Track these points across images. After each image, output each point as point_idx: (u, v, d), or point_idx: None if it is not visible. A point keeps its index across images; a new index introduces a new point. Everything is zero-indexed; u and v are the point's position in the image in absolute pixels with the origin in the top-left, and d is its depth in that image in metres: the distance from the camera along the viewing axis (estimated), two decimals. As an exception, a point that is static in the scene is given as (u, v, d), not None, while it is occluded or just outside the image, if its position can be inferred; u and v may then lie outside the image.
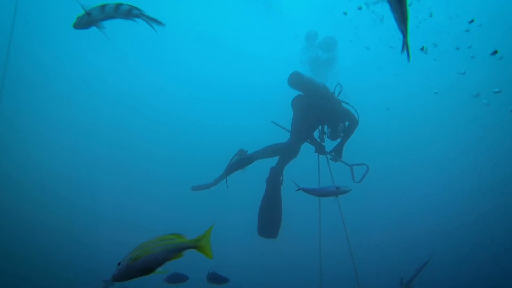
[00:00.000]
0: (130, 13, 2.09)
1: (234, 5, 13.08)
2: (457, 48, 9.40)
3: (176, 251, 1.62)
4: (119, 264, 1.53)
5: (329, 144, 4.67)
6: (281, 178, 4.38)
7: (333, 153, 4.54)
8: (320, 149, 4.56)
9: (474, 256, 10.25)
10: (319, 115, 4.45)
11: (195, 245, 1.68)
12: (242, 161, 3.63)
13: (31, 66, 12.12)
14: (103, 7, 2.07)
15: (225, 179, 4.26)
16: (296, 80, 4.46)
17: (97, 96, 13.75)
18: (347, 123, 4.54)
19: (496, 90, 9.62)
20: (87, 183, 12.33)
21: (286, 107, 4.96)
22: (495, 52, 7.13)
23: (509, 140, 12.40)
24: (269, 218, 4.24)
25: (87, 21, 2.09)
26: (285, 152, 4.44)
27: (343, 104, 4.57)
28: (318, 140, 4.61)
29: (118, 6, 2.07)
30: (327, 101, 4.46)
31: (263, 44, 14.21)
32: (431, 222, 12.03)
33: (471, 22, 8.60)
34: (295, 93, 4.71)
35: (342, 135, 4.52)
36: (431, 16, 8.87)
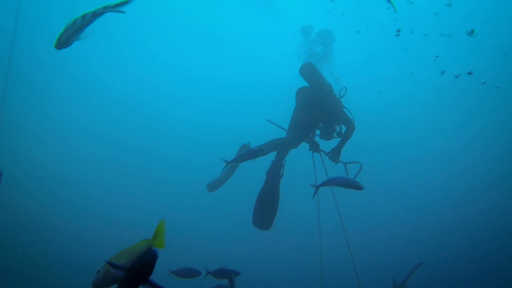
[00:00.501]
0: (95, 14, 2.21)
1: (231, 2, 13.07)
2: (426, 35, 9.36)
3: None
4: (98, 272, 1.67)
5: (323, 144, 4.72)
6: (281, 171, 4.46)
7: (330, 154, 4.55)
8: (314, 147, 4.59)
9: (469, 254, 10.23)
10: (321, 112, 4.47)
11: (152, 244, 1.77)
12: (256, 152, 3.69)
13: (33, 66, 12.18)
14: (74, 21, 2.20)
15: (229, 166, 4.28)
16: (308, 70, 4.52)
17: (98, 95, 13.79)
18: (344, 128, 4.57)
19: (469, 71, 9.58)
20: (88, 182, 12.38)
21: (283, 104, 4.98)
22: (472, 32, 7.04)
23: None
24: (266, 210, 4.32)
25: (65, 38, 2.21)
26: (285, 147, 4.50)
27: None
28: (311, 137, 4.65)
29: (83, 16, 2.20)
30: (330, 100, 4.49)
31: (261, 41, 14.17)
32: (427, 219, 12.03)
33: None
34: (293, 88, 4.77)
35: (335, 136, 4.56)
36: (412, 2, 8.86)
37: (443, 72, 10.15)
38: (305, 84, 4.74)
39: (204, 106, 15.17)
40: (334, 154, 4.51)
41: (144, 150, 14.06)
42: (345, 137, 4.52)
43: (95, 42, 12.03)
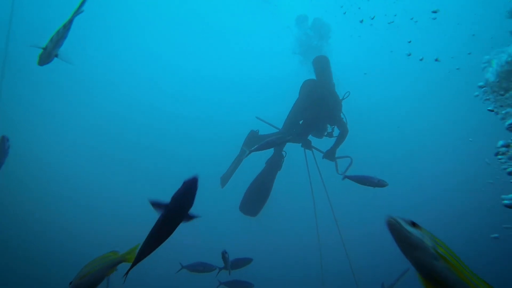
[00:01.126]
0: (66, 26, 2.46)
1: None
2: (390, 23, 9.28)
3: (111, 267, 1.91)
4: (70, 283, 1.81)
5: (316, 142, 4.72)
6: (281, 163, 4.45)
7: (325, 155, 4.58)
8: (306, 144, 4.61)
9: (467, 253, 10.25)
10: (322, 109, 4.47)
11: (124, 259, 1.94)
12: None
13: (30, 61, 12.04)
14: (51, 39, 2.46)
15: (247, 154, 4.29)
16: (321, 62, 4.56)
17: (98, 92, 13.71)
18: (336, 129, 4.58)
19: (436, 58, 9.54)
20: (89, 180, 12.34)
21: (282, 99, 4.94)
22: (435, 12, 7.07)
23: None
24: (256, 197, 4.37)
25: (46, 55, 2.43)
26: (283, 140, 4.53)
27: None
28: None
29: (58, 31, 2.46)
30: (333, 99, 4.50)
31: (261, 38, 14.08)
32: (423, 217, 12.01)
33: None
34: (290, 83, 4.75)
35: (325, 135, 4.60)
36: None
37: (409, 55, 10.06)
38: (308, 79, 4.73)
39: (203, 103, 15.13)
40: (329, 156, 4.56)
41: (143, 147, 14.04)
42: (339, 140, 4.57)
43: (94, 38, 11.95)
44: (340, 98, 4.52)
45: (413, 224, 1.22)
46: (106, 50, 13.33)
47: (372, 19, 8.69)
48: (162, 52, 14.51)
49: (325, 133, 4.65)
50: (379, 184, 3.32)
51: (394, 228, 1.21)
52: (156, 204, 1.58)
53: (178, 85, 15.06)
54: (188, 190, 1.56)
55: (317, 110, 4.44)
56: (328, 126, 4.64)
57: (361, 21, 8.42)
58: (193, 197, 1.57)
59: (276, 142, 3.65)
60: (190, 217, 1.63)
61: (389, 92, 13.82)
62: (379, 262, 9.82)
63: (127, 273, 1.67)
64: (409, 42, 9.63)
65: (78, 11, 2.44)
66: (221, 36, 14.30)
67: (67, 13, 2.51)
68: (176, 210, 1.57)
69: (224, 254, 3.46)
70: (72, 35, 2.43)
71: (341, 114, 4.57)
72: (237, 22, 13.80)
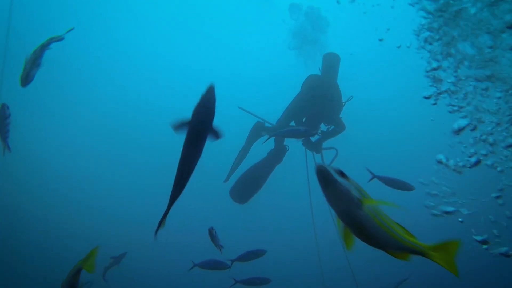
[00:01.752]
0: (43, 46, 2.57)
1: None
2: (364, 13, 9.14)
3: (75, 275, 1.99)
4: None
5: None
6: (282, 156, 4.48)
7: (311, 147, 4.57)
8: (308, 143, 4.59)
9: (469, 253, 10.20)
10: (324, 105, 4.42)
11: (82, 266, 1.99)
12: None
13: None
14: (29, 59, 2.57)
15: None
16: (332, 60, 4.49)
17: (98, 91, 13.71)
18: (331, 128, 4.55)
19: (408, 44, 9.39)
20: (89, 179, 12.34)
21: (277, 99, 4.91)
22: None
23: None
24: (249, 185, 4.33)
25: (26, 75, 2.56)
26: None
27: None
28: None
29: (34, 51, 2.57)
30: (336, 98, 4.45)
31: (255, 33, 14.02)
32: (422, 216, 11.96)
33: None
34: (286, 87, 4.73)
35: (318, 133, 4.57)
36: None
37: (381, 40, 9.82)
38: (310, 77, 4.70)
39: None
40: (315, 148, 4.55)
41: (143, 145, 14.04)
42: (330, 134, 4.53)
43: (94, 37, 11.91)
44: (343, 101, 4.47)
45: (342, 174, 1.23)
46: (105, 48, 13.32)
47: (352, 2, 8.50)
48: (160, 50, 14.50)
49: (319, 132, 4.61)
50: (405, 187, 3.26)
51: (323, 175, 1.21)
52: (178, 125, 1.55)
53: (175, 82, 15.05)
54: (207, 100, 1.54)
55: (320, 107, 4.40)
56: (323, 125, 4.61)
57: (338, 2, 8.26)
58: (213, 106, 1.54)
59: (298, 133, 3.64)
60: (215, 132, 1.58)
61: (381, 83, 13.66)
62: (380, 261, 9.80)
63: (164, 218, 1.56)
64: (388, 29, 9.40)
65: (60, 38, 2.55)
66: (216, 31, 14.27)
67: (67, 13, 2.52)
68: (200, 121, 1.54)
69: (211, 231, 3.39)
70: (73, 34, 2.45)
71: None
72: (232, 17, 13.77)
